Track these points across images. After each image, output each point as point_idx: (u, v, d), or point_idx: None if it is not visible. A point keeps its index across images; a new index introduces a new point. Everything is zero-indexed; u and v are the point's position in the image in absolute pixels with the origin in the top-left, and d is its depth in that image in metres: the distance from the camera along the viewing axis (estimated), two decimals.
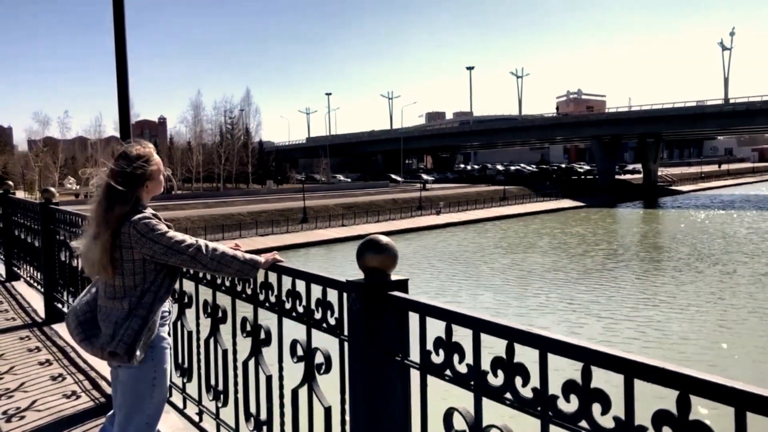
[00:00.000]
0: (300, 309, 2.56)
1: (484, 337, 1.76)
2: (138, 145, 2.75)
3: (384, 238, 2.16)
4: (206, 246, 2.60)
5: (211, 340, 3.27)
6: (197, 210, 49.17)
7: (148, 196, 2.73)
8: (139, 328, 2.58)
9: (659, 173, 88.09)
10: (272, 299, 2.75)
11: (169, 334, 2.83)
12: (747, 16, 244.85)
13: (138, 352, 2.58)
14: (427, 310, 1.93)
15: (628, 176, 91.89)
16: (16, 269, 8.20)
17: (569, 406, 1.51)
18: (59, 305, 6.17)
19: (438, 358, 1.88)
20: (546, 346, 1.57)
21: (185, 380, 3.62)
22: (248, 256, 2.66)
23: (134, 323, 2.58)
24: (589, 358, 1.46)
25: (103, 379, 4.63)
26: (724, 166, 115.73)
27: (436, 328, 1.91)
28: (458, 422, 1.82)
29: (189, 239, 2.60)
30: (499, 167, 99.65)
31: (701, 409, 1.39)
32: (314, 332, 2.50)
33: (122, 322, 2.60)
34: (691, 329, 20.65)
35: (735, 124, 74.31)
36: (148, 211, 2.67)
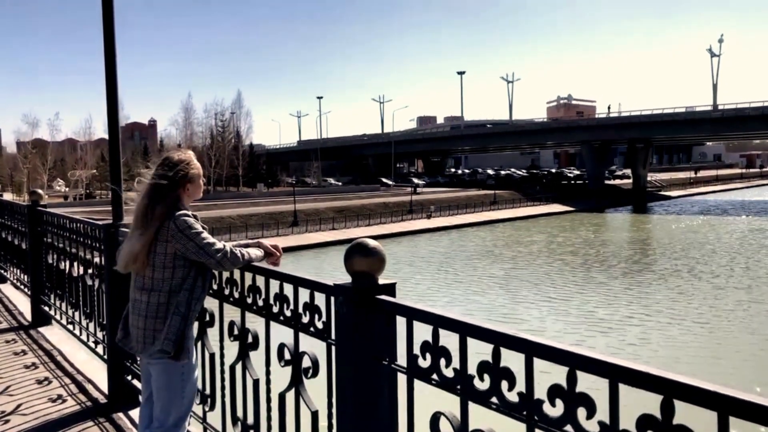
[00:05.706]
0: (287, 313, 2.56)
1: (470, 341, 1.76)
2: (179, 152, 2.99)
3: (371, 242, 2.15)
4: (231, 251, 2.78)
5: (198, 344, 3.25)
6: None
7: (188, 199, 2.93)
8: (180, 325, 2.74)
9: (648, 178, 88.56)
10: (260, 303, 2.75)
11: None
12: (735, 23, 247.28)
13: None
14: (414, 314, 1.92)
15: (617, 181, 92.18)
16: (2, 272, 8.13)
17: (555, 410, 1.51)
18: (46, 308, 6.12)
19: (425, 363, 1.88)
20: (532, 350, 1.57)
21: None
22: (260, 253, 2.88)
23: (175, 321, 2.73)
24: (575, 362, 1.46)
25: (90, 382, 4.60)
26: (713, 172, 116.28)
27: (423, 332, 1.91)
28: (445, 426, 1.82)
29: (218, 243, 2.79)
30: (490, 172, 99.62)
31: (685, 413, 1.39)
32: (302, 336, 2.49)
33: (152, 317, 2.75)
34: (673, 338, 20.77)
35: (724, 130, 74.76)
36: (188, 212, 2.85)
